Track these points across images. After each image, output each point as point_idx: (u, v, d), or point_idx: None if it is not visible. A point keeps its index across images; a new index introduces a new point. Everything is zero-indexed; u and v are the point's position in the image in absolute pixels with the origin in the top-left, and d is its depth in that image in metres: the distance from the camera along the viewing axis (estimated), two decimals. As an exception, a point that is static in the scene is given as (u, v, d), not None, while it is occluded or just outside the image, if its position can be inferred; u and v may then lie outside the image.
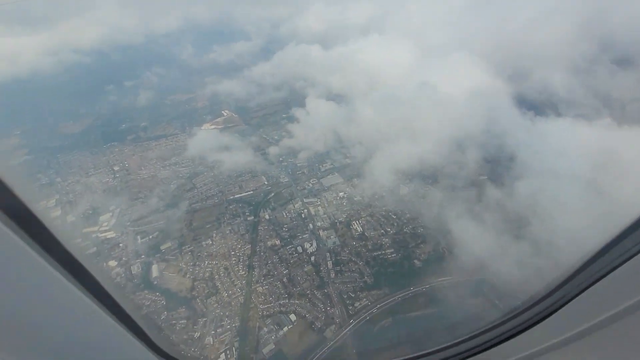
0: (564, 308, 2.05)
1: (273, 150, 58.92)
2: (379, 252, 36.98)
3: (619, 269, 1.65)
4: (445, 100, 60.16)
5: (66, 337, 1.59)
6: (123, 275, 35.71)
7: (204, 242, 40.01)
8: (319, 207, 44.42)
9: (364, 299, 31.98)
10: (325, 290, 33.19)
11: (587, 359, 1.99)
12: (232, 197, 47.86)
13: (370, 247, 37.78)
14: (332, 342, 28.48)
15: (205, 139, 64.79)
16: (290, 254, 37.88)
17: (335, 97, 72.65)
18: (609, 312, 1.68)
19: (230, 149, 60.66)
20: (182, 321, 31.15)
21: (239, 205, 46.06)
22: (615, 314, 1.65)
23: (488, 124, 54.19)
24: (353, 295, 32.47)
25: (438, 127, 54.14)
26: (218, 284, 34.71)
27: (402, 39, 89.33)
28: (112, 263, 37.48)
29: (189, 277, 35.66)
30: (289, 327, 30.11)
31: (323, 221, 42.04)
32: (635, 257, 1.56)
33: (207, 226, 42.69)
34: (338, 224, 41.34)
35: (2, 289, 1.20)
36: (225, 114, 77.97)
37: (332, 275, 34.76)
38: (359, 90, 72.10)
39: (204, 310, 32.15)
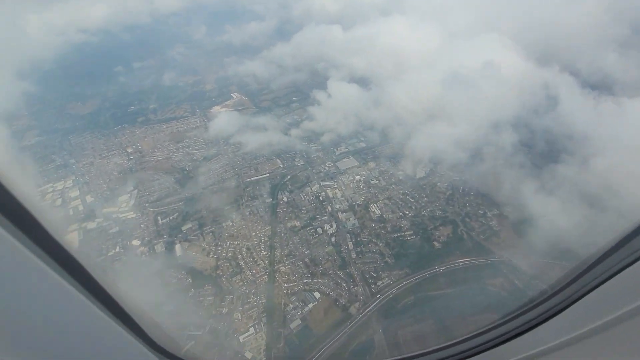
0: (568, 309, 2.02)
1: (287, 133, 58.48)
2: (398, 234, 37.50)
3: (625, 270, 1.62)
4: (472, 82, 58.80)
5: (61, 336, 1.53)
6: (147, 254, 36.41)
7: (224, 224, 40.49)
8: (336, 190, 44.62)
9: (386, 278, 32.75)
10: (347, 270, 33.93)
11: None
12: (248, 180, 47.99)
13: (389, 229, 38.26)
14: (357, 319, 29.42)
15: (216, 122, 64.36)
16: (310, 235, 38.44)
17: (359, 80, 70.88)
18: (614, 313, 1.64)
19: (243, 131, 60.34)
20: (210, 298, 32.07)
21: (256, 188, 46.27)
22: (620, 316, 1.62)
23: (518, 108, 53.01)
24: (375, 275, 33.22)
25: (465, 110, 53.35)
26: (241, 263, 35.43)
27: (425, 19, 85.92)
28: (136, 242, 38.14)
29: (212, 256, 36.36)
30: (314, 304, 31.01)
31: (341, 204, 42.35)
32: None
33: (226, 208, 43.05)
34: (356, 206, 41.68)
35: None
36: (235, 97, 76.91)
37: (353, 255, 35.42)
38: (378, 73, 70.35)
39: (230, 288, 33.00)
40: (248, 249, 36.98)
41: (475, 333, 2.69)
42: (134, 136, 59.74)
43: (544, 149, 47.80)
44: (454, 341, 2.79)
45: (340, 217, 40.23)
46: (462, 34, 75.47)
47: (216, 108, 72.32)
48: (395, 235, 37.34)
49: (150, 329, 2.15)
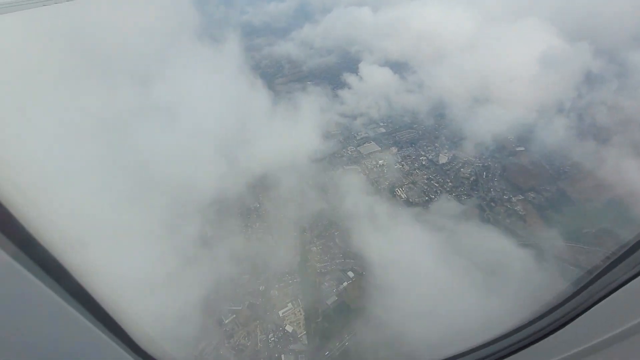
0: (576, 320, 1.94)
1: (306, 116, 58.09)
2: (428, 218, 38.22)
3: (634, 281, 1.58)
4: (512, 68, 57.74)
5: (40, 341, 1.43)
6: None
7: (251, 206, 41.03)
8: (361, 174, 45.00)
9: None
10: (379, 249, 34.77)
11: None
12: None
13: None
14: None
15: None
16: (338, 217, 39.10)
17: (391, 64, 69.60)
18: (624, 326, 1.60)
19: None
20: (245, 276, 32.95)
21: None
22: (629, 328, 1.57)
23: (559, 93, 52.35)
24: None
25: (504, 96, 52.78)
26: (273, 244, 36.18)
27: (461, 3, 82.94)
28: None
29: (243, 237, 37.07)
30: (348, 282, 32.00)
31: (367, 187, 42.83)
32: None
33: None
34: (382, 190, 42.21)
35: None
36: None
37: (383, 237, 36.19)
38: (412, 56, 68.69)
39: (264, 267, 33.85)
40: (278, 230, 37.65)
41: (481, 344, 2.64)
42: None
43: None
44: (460, 352, 2.73)
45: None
46: (498, 18, 73.27)
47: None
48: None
49: (133, 331, 2.06)
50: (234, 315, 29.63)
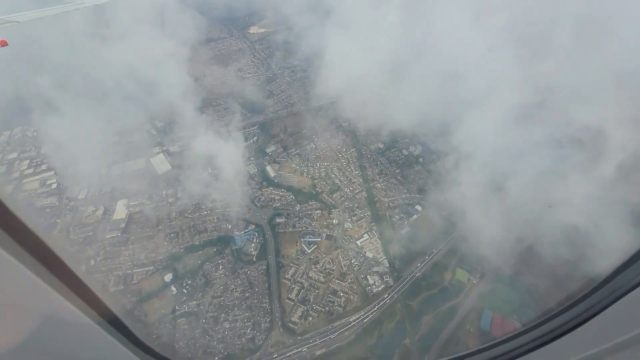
0: (586, 324, 1.92)
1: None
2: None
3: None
4: None
5: (47, 342, 1.45)
6: (245, 174, 37.21)
7: (307, 146, 40.65)
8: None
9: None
10: (442, 186, 35.78)
11: None
12: (317, 105, 46.48)
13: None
14: (459, 227, 32.29)
15: (260, 44, 59.03)
16: (396, 156, 39.29)
17: None
18: (630, 333, 1.57)
19: (294, 53, 55.92)
20: (317, 212, 34.15)
21: (329, 112, 45.16)
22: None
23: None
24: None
25: None
26: (337, 181, 36.80)
27: None
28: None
29: (306, 176, 37.48)
30: (417, 215, 33.51)
31: (422, 127, 42.19)
32: None
33: (304, 131, 42.66)
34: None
35: None
36: (268, 16, 68.92)
37: (444, 173, 36.91)
38: None
39: (333, 203, 34.93)
40: (339, 169, 38.00)
41: (489, 344, 2.63)
42: (175, 58, 54.76)
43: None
44: (468, 352, 2.72)
45: (422, 138, 40.58)
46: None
47: (254, 28, 65.51)
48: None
49: (136, 329, 2.06)
50: (315, 246, 31.44)
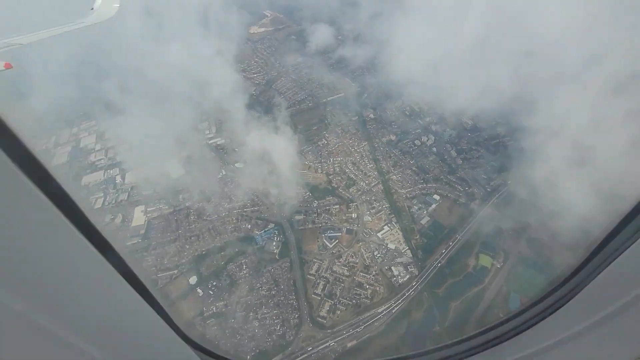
0: (565, 306, 2.03)
1: (344, 49, 54.22)
2: (497, 140, 38.66)
3: (614, 262, 1.61)
4: None
5: (100, 316, 1.49)
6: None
7: (319, 142, 40.65)
8: (422, 104, 43.92)
9: (497, 179, 34.99)
10: (458, 174, 35.87)
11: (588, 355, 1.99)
12: (325, 100, 46.43)
13: (486, 136, 39.21)
14: (479, 213, 32.41)
15: (261, 43, 58.85)
16: (409, 147, 39.30)
17: None
18: (613, 305, 1.64)
19: (295, 51, 55.79)
20: (335, 206, 34.23)
21: (336, 107, 45.13)
22: (620, 307, 1.61)
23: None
24: (485, 177, 35.36)
25: None
26: (352, 175, 36.84)
27: None
28: (239, 165, 38.60)
29: (320, 172, 37.50)
30: (436, 204, 33.60)
31: (431, 116, 42.25)
32: (630, 249, 1.52)
33: (314, 128, 42.65)
34: (447, 118, 41.71)
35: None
36: (268, 15, 68.59)
37: (459, 161, 36.98)
38: None
39: (350, 197, 35.00)
40: (353, 163, 38.01)
41: (474, 332, 2.68)
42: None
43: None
44: (452, 341, 2.76)
45: (434, 128, 40.66)
46: None
47: (253, 28, 65.20)
48: (494, 141, 38.48)
49: (180, 321, 2.08)
50: (336, 241, 31.55)
